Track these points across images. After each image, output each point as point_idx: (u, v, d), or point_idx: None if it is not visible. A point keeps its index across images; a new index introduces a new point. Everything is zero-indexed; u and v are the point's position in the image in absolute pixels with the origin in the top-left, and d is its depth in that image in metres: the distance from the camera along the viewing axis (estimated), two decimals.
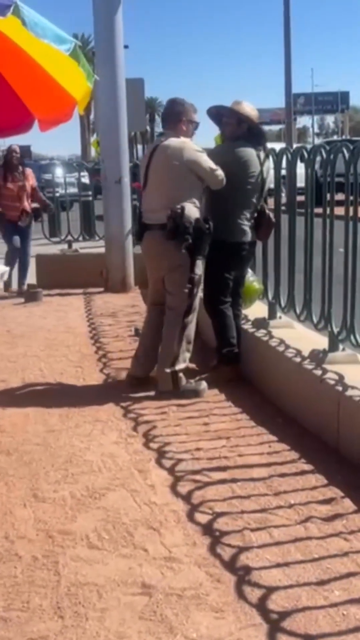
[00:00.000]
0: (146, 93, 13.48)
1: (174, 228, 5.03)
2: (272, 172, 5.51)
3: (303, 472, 3.86)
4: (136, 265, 9.06)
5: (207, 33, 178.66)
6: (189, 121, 5.27)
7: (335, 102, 65.86)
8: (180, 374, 5.22)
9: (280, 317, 5.55)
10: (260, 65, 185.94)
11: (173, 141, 5.16)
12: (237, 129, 5.39)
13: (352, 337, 4.36)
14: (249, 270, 5.75)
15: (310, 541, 3.15)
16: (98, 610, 2.72)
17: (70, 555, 3.10)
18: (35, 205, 9.99)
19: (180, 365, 5.22)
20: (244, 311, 5.80)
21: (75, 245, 11.14)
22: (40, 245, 11.60)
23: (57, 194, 13.41)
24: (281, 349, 4.99)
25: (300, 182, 5.04)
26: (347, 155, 4.29)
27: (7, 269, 8.58)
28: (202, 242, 5.12)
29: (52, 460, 4.13)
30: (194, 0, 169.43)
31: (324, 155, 4.60)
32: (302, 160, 4.96)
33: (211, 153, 5.57)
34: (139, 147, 55.63)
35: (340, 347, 4.59)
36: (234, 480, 3.77)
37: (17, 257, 9.67)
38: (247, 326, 5.64)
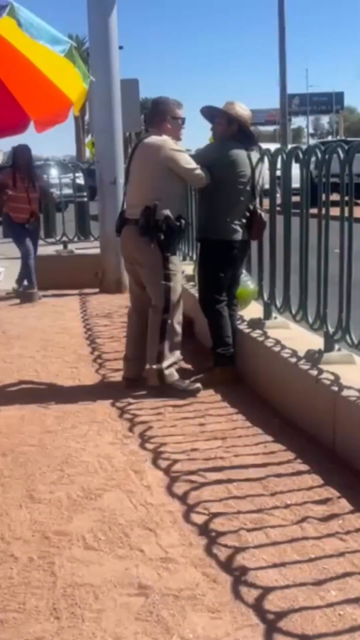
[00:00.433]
0: (141, 94, 13.46)
1: (145, 224, 5.09)
2: (267, 172, 5.52)
3: (299, 473, 3.86)
4: None
5: (201, 34, 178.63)
6: (174, 118, 5.31)
7: (329, 102, 65.99)
8: (170, 370, 5.24)
9: (275, 318, 5.55)
10: (255, 66, 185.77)
11: (153, 139, 5.21)
12: (228, 129, 5.40)
13: (347, 337, 4.36)
14: (244, 271, 5.76)
15: (306, 541, 3.16)
16: (94, 611, 2.72)
17: (66, 556, 3.10)
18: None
19: (166, 362, 5.23)
20: (240, 312, 5.81)
21: (70, 246, 11.11)
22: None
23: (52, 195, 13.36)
24: (277, 349, 5.00)
25: (295, 183, 5.04)
26: (342, 155, 4.30)
27: (3, 269, 8.52)
28: (172, 238, 5.19)
29: (48, 461, 4.13)
30: (188, 1, 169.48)
31: (319, 155, 4.61)
32: (297, 161, 4.97)
33: (200, 152, 5.59)
34: None
35: (336, 347, 4.59)
36: (230, 481, 3.77)
37: (32, 259, 9.38)
38: (242, 326, 5.65)
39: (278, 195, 5.68)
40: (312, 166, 4.91)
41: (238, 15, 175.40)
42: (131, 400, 5.11)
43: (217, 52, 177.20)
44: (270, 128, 69.49)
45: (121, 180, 9.21)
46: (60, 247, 11.28)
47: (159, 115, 5.31)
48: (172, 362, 5.28)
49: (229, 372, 5.45)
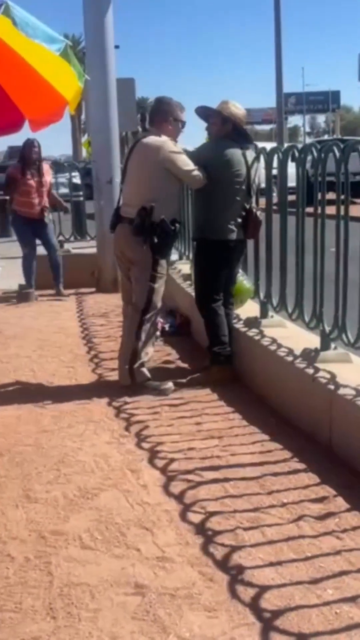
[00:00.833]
0: (137, 93, 13.48)
1: (140, 224, 5.09)
2: (263, 171, 5.52)
3: (296, 471, 3.86)
4: None
5: (198, 33, 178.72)
6: (176, 120, 5.31)
7: (326, 101, 66.07)
8: (142, 369, 5.28)
9: (272, 316, 5.55)
10: (251, 65, 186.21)
11: (152, 139, 5.20)
12: (222, 129, 5.40)
13: (343, 336, 4.36)
14: (240, 271, 5.75)
15: (303, 540, 3.16)
16: (91, 610, 2.72)
17: (63, 556, 3.10)
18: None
19: (139, 361, 5.27)
20: (236, 311, 5.81)
21: (67, 246, 11.10)
22: None
23: None
24: (273, 348, 5.00)
25: (292, 182, 5.04)
26: (337, 154, 4.29)
27: (0, 268, 8.48)
28: (165, 242, 5.20)
29: (45, 461, 4.12)
30: (184, 0, 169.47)
31: (315, 154, 4.61)
32: (293, 160, 4.97)
33: (195, 151, 5.58)
34: None
35: (332, 345, 4.60)
36: (226, 480, 3.76)
37: (33, 260, 9.21)
38: (239, 325, 5.65)
39: (274, 194, 5.68)
40: (308, 165, 4.91)
41: (234, 15, 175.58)
42: (127, 400, 5.11)
43: (213, 51, 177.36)
44: (266, 127, 69.62)
45: (117, 179, 9.22)
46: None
47: (161, 114, 5.31)
48: (144, 361, 5.32)
49: (226, 371, 5.45)
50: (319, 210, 4.58)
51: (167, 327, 6.87)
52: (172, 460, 4.05)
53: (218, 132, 5.44)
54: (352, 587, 2.80)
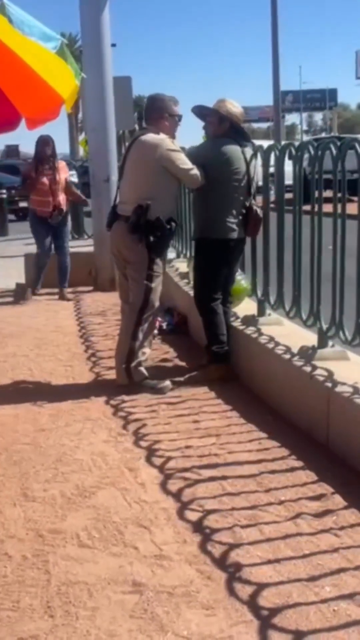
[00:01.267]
0: (134, 91, 13.42)
1: (135, 222, 5.08)
2: (260, 169, 5.52)
3: (293, 469, 3.86)
4: None
5: (194, 31, 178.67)
6: (171, 115, 5.29)
7: (323, 99, 66.02)
8: (139, 369, 5.27)
9: (269, 314, 5.55)
10: (248, 63, 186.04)
11: (150, 137, 5.17)
12: (219, 128, 5.39)
13: (341, 334, 4.37)
14: (238, 269, 5.75)
15: (300, 537, 3.16)
16: (89, 609, 2.72)
17: (61, 554, 3.10)
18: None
19: (135, 360, 5.26)
20: (233, 309, 5.80)
21: None
22: (28, 245, 11.56)
23: None
24: (270, 346, 5.00)
25: (289, 180, 5.04)
26: (334, 152, 4.29)
27: None
28: (161, 241, 5.19)
29: (42, 460, 4.12)
30: None
31: (312, 152, 4.60)
32: (290, 158, 4.96)
33: (194, 150, 5.57)
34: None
35: (330, 343, 4.60)
36: (224, 478, 3.77)
37: (47, 260, 9.11)
38: (236, 323, 5.65)
39: (271, 192, 5.68)
40: (305, 163, 4.91)
41: (231, 13, 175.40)
42: (125, 398, 5.11)
43: (210, 49, 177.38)
44: (263, 125, 69.57)
45: (114, 178, 9.22)
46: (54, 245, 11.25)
47: (156, 112, 5.29)
48: (142, 360, 5.31)
49: (224, 370, 5.45)
50: (316, 208, 4.58)
51: (164, 325, 6.87)
52: (169, 458, 4.05)
53: (215, 131, 5.43)
54: (350, 584, 2.80)
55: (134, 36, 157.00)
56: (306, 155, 4.74)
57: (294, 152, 4.86)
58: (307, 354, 4.59)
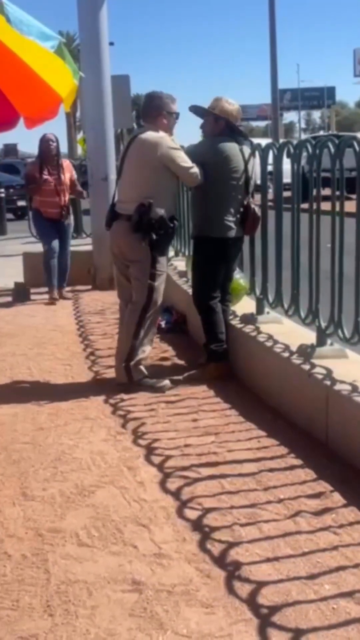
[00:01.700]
0: (132, 90, 13.43)
1: (138, 221, 5.06)
2: (258, 167, 5.51)
3: (292, 467, 3.86)
4: None
5: (192, 30, 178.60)
6: (169, 113, 5.28)
7: (321, 97, 66.06)
8: (138, 367, 5.26)
9: (268, 313, 5.55)
10: (246, 61, 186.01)
11: (150, 135, 5.16)
12: (215, 126, 5.39)
13: (339, 332, 4.36)
14: (236, 268, 5.75)
15: (299, 535, 3.16)
16: (88, 607, 2.72)
17: (60, 553, 3.10)
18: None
19: (135, 359, 5.25)
20: (232, 307, 5.80)
21: None
22: (27, 244, 11.57)
23: None
24: (269, 344, 5.00)
25: (287, 178, 5.03)
26: (332, 150, 4.29)
27: None
28: (163, 239, 5.18)
29: (41, 459, 4.12)
30: None
31: (310, 150, 4.60)
32: (288, 156, 4.96)
33: (192, 149, 5.56)
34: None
35: (328, 341, 4.60)
36: (223, 476, 3.77)
37: (55, 259, 8.84)
38: (235, 322, 5.65)
39: (270, 190, 5.67)
40: (303, 161, 4.91)
41: (229, 11, 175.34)
42: (124, 397, 5.11)
43: (208, 47, 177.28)
44: (262, 123, 69.56)
45: (112, 176, 9.21)
46: None
47: (154, 109, 5.28)
48: (141, 358, 5.30)
49: (222, 368, 5.45)
50: (315, 206, 4.58)
51: (163, 324, 6.87)
52: (168, 457, 4.05)
53: (212, 130, 5.43)
54: (349, 582, 2.80)
55: (132, 35, 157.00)
56: (304, 154, 4.74)
57: (292, 150, 4.86)
58: (305, 352, 4.59)
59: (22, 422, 4.74)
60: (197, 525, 3.29)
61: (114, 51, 15.51)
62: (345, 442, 3.91)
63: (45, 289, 9.13)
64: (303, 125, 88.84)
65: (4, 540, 3.23)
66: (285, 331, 5.22)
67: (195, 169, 5.20)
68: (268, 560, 2.98)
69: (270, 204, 5.50)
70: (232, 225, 5.37)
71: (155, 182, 5.12)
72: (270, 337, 5.12)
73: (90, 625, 2.61)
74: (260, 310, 5.57)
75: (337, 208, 4.32)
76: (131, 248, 5.18)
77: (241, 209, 5.40)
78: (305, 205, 4.71)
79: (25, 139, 49.36)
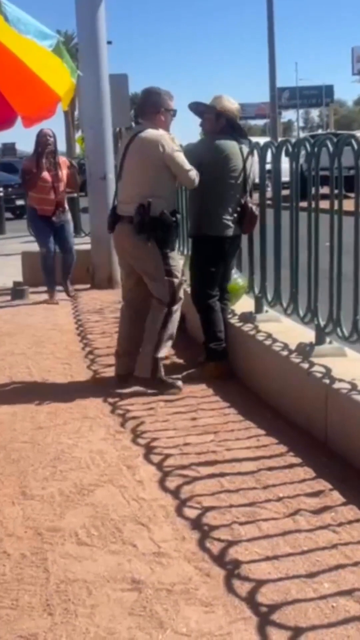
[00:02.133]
0: (130, 89, 13.42)
1: (140, 222, 5.02)
2: (256, 166, 5.51)
3: (291, 465, 3.87)
4: None
5: (190, 28, 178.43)
6: (167, 110, 5.22)
7: (319, 95, 66.02)
8: (160, 364, 5.22)
9: (266, 311, 5.55)
10: (245, 60, 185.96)
11: (150, 133, 5.09)
12: (216, 124, 5.38)
13: (338, 330, 4.37)
14: (234, 268, 5.75)
15: (299, 534, 3.16)
16: (88, 606, 2.72)
17: (59, 552, 3.10)
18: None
19: (161, 353, 5.21)
20: (231, 306, 5.80)
21: None
22: (26, 243, 11.56)
23: None
24: (268, 342, 5.00)
25: (285, 177, 5.03)
26: (331, 148, 4.29)
27: None
28: (168, 235, 5.13)
29: (40, 458, 4.12)
30: None
31: (308, 148, 4.60)
32: (286, 154, 4.96)
33: (192, 147, 5.55)
34: None
35: (327, 340, 4.60)
36: (222, 475, 3.77)
37: (52, 261, 8.72)
38: (233, 320, 5.65)
39: (268, 189, 5.67)
40: (301, 160, 4.91)
41: (227, 10, 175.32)
42: (123, 396, 5.10)
43: (206, 46, 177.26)
44: (260, 122, 69.56)
45: (111, 175, 9.21)
46: None
47: (152, 106, 5.20)
48: (165, 355, 5.26)
49: (221, 367, 5.45)
50: (313, 205, 4.58)
51: None
52: (167, 455, 4.05)
53: (212, 128, 5.42)
54: (349, 580, 2.81)
55: (130, 34, 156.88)
56: (303, 152, 4.74)
57: (290, 149, 4.86)
58: (304, 350, 4.59)
59: (21, 421, 4.74)
60: (196, 524, 3.29)
61: (112, 50, 15.50)
62: (345, 441, 3.91)
63: (44, 289, 9.13)
64: (301, 124, 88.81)
65: (3, 539, 3.23)
66: (284, 330, 5.21)
67: (194, 172, 5.15)
68: (267, 558, 2.98)
69: (268, 202, 5.50)
70: (230, 224, 5.36)
71: (156, 180, 5.08)
72: (269, 335, 5.12)
73: (89, 624, 2.61)
74: (259, 308, 5.57)
75: (336, 206, 4.32)
76: (138, 249, 5.12)
77: (238, 208, 5.40)
78: (303, 204, 4.71)
79: (23, 138, 49.46)
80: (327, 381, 4.14)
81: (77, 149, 43.92)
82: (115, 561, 3.01)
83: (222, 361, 5.48)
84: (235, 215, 5.38)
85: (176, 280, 5.21)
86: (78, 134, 47.40)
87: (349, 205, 4.15)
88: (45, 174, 8.37)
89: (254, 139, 5.79)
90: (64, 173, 8.57)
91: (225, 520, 3.30)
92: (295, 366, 4.50)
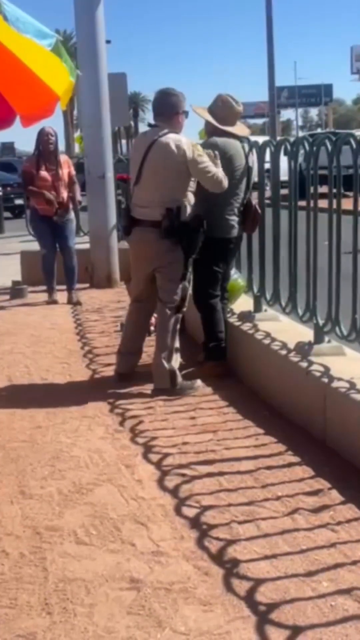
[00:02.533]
0: (129, 88, 13.40)
1: (169, 227, 4.95)
2: (256, 165, 5.51)
3: (290, 464, 3.87)
4: (121, 260, 9.04)
5: (189, 27, 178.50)
6: (183, 112, 5.15)
7: (318, 94, 66.07)
8: (177, 372, 5.17)
9: (265, 310, 5.55)
10: (244, 59, 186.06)
11: (172, 138, 4.97)
12: (217, 127, 5.38)
13: (337, 329, 4.37)
14: (233, 267, 5.75)
15: (297, 533, 3.16)
16: (86, 605, 2.72)
17: (58, 552, 3.10)
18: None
19: (176, 362, 5.18)
20: (229, 305, 5.80)
21: None
22: (24, 242, 11.56)
23: None
24: (267, 341, 5.00)
25: (284, 176, 5.03)
26: (329, 147, 4.29)
27: None
28: (196, 241, 5.08)
29: (39, 457, 4.12)
30: None
31: (307, 148, 4.60)
32: (285, 154, 4.96)
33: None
34: (123, 142, 55.45)
35: (326, 339, 4.60)
36: (221, 474, 3.77)
37: (53, 262, 8.58)
38: (232, 319, 5.65)
39: (267, 188, 5.68)
40: (300, 159, 4.91)
41: (226, 9, 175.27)
42: (122, 395, 5.10)
43: (205, 45, 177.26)
44: (259, 121, 69.53)
45: (109, 174, 9.20)
46: None
47: (171, 108, 5.09)
48: (179, 363, 5.22)
49: (220, 366, 5.45)
50: (312, 204, 4.58)
51: None
52: (166, 454, 4.05)
53: (213, 130, 5.43)
54: (347, 579, 2.81)
55: (129, 33, 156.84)
56: (302, 151, 4.74)
57: (289, 148, 4.85)
58: (303, 349, 4.59)
59: (20, 421, 4.73)
60: (195, 523, 3.29)
61: (111, 49, 15.50)
62: (343, 439, 3.91)
63: (43, 288, 9.12)
64: (300, 123, 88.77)
65: (2, 538, 3.23)
66: (282, 329, 5.21)
67: (220, 173, 5.04)
68: (266, 557, 2.98)
69: (267, 201, 5.50)
70: (235, 224, 5.36)
71: (180, 185, 5.02)
72: (267, 334, 5.12)
73: (88, 623, 2.61)
74: (257, 307, 5.57)
75: (335, 205, 4.32)
76: (162, 254, 5.04)
77: (241, 208, 5.40)
78: (302, 203, 4.71)
79: (22, 138, 49.48)
80: (326, 380, 4.14)
81: (76, 148, 43.96)
82: (114, 560, 3.01)
83: (220, 360, 5.48)
84: (240, 215, 5.38)
85: (188, 285, 5.21)
86: (77, 133, 47.44)
87: (347, 204, 4.16)
88: (45, 174, 8.24)
89: (252, 138, 5.78)
90: (64, 172, 8.41)
91: (224, 519, 3.30)
92: (294, 365, 4.50)
